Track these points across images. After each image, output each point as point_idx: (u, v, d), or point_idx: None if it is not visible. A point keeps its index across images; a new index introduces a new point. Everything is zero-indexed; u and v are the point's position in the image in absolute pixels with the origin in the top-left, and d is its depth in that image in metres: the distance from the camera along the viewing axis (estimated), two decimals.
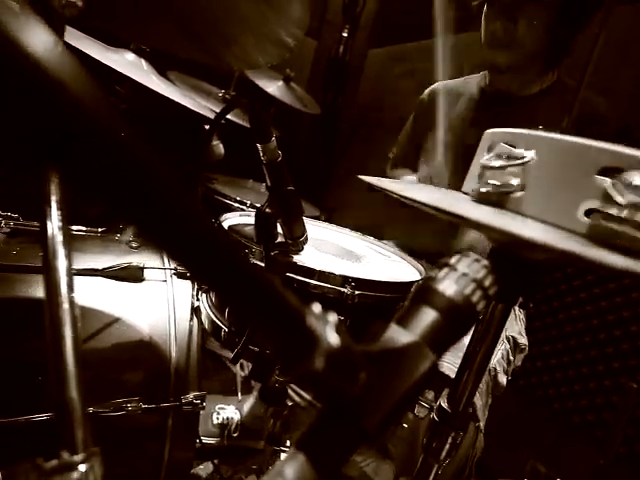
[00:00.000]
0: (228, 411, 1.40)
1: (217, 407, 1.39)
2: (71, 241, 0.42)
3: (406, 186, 0.55)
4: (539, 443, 1.48)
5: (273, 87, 1.95)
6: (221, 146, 1.72)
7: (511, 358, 1.03)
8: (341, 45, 2.66)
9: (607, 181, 0.34)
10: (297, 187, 0.76)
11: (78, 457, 0.30)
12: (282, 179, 0.72)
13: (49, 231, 0.36)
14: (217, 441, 1.33)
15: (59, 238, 0.36)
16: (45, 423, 0.71)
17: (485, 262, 0.37)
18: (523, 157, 0.40)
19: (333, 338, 0.21)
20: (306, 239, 0.80)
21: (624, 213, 0.33)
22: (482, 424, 0.91)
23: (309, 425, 0.24)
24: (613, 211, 0.33)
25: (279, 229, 0.77)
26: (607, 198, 0.34)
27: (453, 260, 0.36)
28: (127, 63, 1.25)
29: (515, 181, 0.40)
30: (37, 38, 0.15)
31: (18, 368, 0.80)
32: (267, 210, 0.72)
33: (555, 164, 0.39)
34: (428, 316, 0.31)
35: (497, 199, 0.42)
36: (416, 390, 0.27)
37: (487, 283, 0.36)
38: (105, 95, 0.16)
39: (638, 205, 0.32)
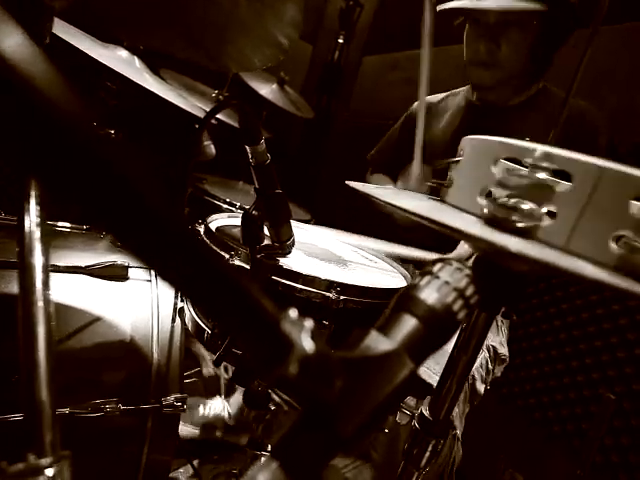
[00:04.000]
0: (214, 405, 1.38)
1: (202, 402, 1.38)
2: (55, 238, 0.41)
3: (392, 194, 0.55)
4: (519, 452, 1.49)
5: (267, 89, 1.95)
6: (212, 146, 1.71)
7: (490, 367, 1.04)
8: (336, 51, 2.67)
9: (500, 169, 0.41)
10: (288, 190, 0.76)
11: (46, 460, 0.29)
12: (270, 182, 0.72)
13: (26, 227, 0.35)
14: (200, 434, 1.31)
15: (36, 234, 0.35)
16: (12, 424, 0.68)
17: (467, 271, 0.37)
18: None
19: (308, 344, 0.21)
20: (293, 242, 0.80)
21: (510, 196, 0.38)
22: (459, 432, 0.91)
23: (284, 432, 0.24)
24: (503, 194, 0.39)
25: (266, 232, 0.77)
26: (500, 184, 0.40)
27: (436, 268, 0.36)
28: (120, 60, 1.23)
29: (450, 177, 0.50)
30: (10, 38, 0.14)
31: None
32: (254, 212, 0.72)
33: (470, 160, 0.47)
34: (408, 324, 0.31)
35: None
36: (393, 398, 0.27)
37: (469, 292, 0.36)
38: (79, 96, 0.16)
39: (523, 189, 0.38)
